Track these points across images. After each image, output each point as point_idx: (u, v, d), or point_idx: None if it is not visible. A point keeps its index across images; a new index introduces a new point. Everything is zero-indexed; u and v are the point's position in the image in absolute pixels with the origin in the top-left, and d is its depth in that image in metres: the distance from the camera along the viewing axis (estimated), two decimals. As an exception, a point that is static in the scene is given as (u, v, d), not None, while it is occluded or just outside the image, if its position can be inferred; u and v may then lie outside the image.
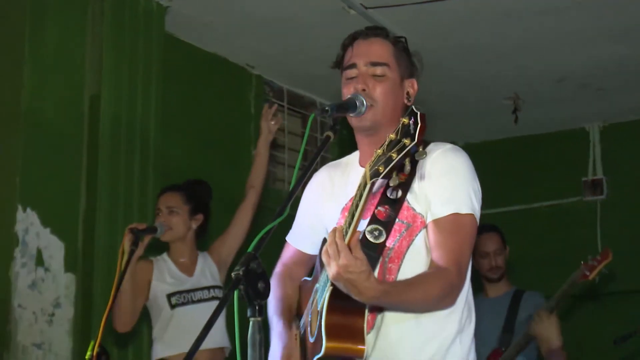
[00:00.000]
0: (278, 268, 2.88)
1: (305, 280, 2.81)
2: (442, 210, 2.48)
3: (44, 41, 4.97)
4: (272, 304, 2.75)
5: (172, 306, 4.41)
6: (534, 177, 7.89)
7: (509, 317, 4.77)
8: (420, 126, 1.97)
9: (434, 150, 2.56)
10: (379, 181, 2.15)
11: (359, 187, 2.17)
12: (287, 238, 2.91)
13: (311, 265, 2.83)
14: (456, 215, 2.46)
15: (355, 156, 2.77)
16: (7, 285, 4.65)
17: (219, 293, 4.45)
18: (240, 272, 2.01)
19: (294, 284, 2.82)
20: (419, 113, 1.98)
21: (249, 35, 5.96)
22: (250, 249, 2.06)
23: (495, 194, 7.30)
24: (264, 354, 2.03)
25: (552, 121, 7.65)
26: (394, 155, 1.99)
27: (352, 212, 2.21)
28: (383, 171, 2.02)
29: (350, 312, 2.35)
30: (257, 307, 2.02)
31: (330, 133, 2.39)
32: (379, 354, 2.47)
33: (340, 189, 2.71)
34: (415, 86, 2.70)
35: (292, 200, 2.22)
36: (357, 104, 2.52)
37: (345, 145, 7.11)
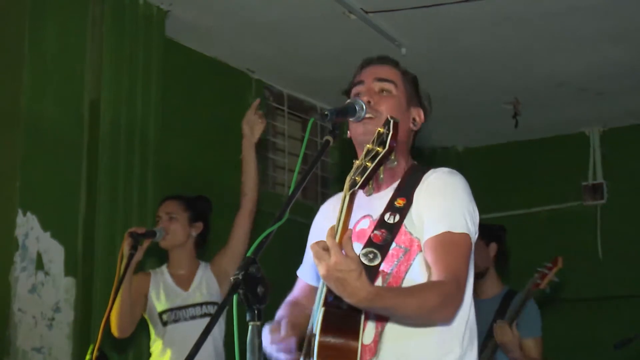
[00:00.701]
0: (288, 299, 2.86)
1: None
2: (435, 228, 2.45)
3: (43, 44, 4.98)
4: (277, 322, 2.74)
5: (164, 323, 4.40)
6: (534, 181, 7.89)
7: (496, 321, 4.71)
8: (392, 133, 2.00)
9: (431, 175, 2.58)
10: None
11: (342, 199, 2.21)
12: (298, 272, 2.90)
13: None
14: (450, 233, 2.43)
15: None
16: (7, 290, 4.65)
17: (212, 309, 4.40)
18: (240, 276, 2.01)
19: (302, 310, 2.76)
20: (392, 121, 2.01)
21: (249, 39, 5.97)
22: (249, 253, 2.06)
23: (495, 198, 7.32)
24: (263, 358, 2.02)
25: (552, 125, 7.66)
26: (369, 164, 2.02)
27: (338, 217, 2.22)
28: (360, 181, 2.04)
29: (343, 333, 2.31)
30: (256, 312, 2.02)
31: (329, 137, 2.38)
32: None
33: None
34: (422, 116, 2.72)
35: (291, 205, 2.21)
36: (357, 108, 2.51)
37: (346, 150, 7.13)
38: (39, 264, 4.78)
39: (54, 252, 4.86)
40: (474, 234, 2.49)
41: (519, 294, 4.73)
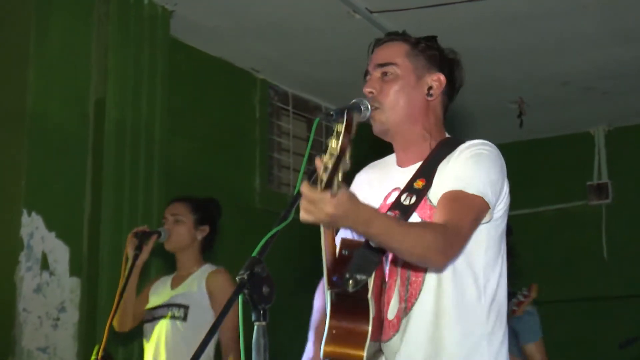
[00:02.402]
0: (315, 320, 2.85)
1: None
2: (449, 185, 2.44)
3: (49, 44, 4.98)
4: (313, 315, 2.76)
5: (145, 320, 4.40)
6: (539, 181, 7.87)
7: None
8: (344, 132, 2.00)
9: (463, 146, 2.58)
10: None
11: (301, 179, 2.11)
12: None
13: None
14: (462, 192, 2.41)
15: (392, 158, 2.75)
16: (12, 290, 4.65)
17: (176, 312, 4.28)
18: (245, 276, 2.01)
19: None
20: (345, 117, 2.03)
21: (254, 39, 5.97)
22: (254, 253, 2.06)
23: (500, 198, 7.30)
24: (269, 358, 2.02)
25: (557, 125, 7.65)
26: (329, 163, 2.00)
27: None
28: (324, 180, 2.00)
29: (354, 316, 2.34)
30: (261, 312, 2.02)
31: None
32: (406, 356, 2.46)
33: (378, 189, 2.69)
34: (442, 79, 2.69)
35: (296, 204, 2.21)
36: (362, 108, 2.51)
37: (353, 150, 7.15)
38: (44, 264, 4.78)
39: (59, 252, 4.86)
40: (492, 201, 2.44)
41: None
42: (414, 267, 2.49)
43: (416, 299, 2.48)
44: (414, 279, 2.50)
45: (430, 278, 2.48)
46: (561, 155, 7.86)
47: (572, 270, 7.46)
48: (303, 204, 2.05)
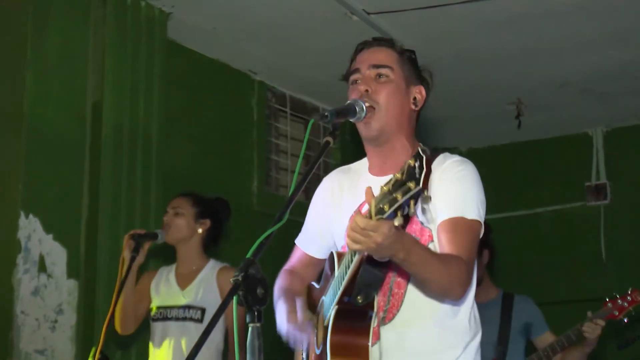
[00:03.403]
0: (285, 267, 2.92)
1: (312, 285, 2.82)
2: (449, 212, 2.51)
3: (46, 47, 4.98)
4: (276, 292, 2.77)
5: (153, 319, 4.40)
6: (537, 182, 7.88)
7: (503, 327, 4.77)
8: (426, 171, 1.96)
9: (443, 162, 2.60)
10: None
11: (368, 212, 2.13)
12: (296, 241, 2.94)
13: (319, 269, 2.85)
14: (463, 218, 2.49)
15: (364, 164, 2.78)
16: (9, 292, 4.65)
17: (194, 315, 4.32)
18: (239, 278, 2.01)
19: (303, 281, 2.85)
20: (424, 157, 1.97)
21: (251, 41, 5.97)
22: (249, 255, 2.06)
23: (498, 199, 7.28)
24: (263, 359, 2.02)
25: (555, 126, 7.64)
26: (399, 196, 1.98)
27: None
28: (387, 211, 2.00)
29: (355, 332, 2.39)
30: (256, 313, 2.02)
31: (329, 138, 2.39)
32: None
33: (349, 197, 2.72)
34: (423, 92, 2.72)
35: (291, 206, 2.21)
36: (357, 109, 2.52)
37: (348, 151, 7.14)
38: (42, 267, 4.78)
39: (57, 255, 4.86)
40: (483, 220, 2.55)
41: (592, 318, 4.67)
42: (398, 280, 2.54)
43: (398, 310, 2.53)
44: (396, 290, 2.55)
45: (411, 292, 2.54)
46: (559, 157, 7.85)
47: (570, 271, 7.46)
48: (352, 233, 2.10)
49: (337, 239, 2.77)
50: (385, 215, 2.02)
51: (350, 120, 2.54)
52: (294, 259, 2.93)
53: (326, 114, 2.42)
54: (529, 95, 6.97)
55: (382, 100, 2.60)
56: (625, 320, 4.68)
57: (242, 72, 6.44)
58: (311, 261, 2.89)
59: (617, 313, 4.68)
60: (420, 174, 1.95)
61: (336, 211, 2.75)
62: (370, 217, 2.05)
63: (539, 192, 7.83)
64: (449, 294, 2.48)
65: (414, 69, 2.72)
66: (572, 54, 6.22)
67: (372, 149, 2.71)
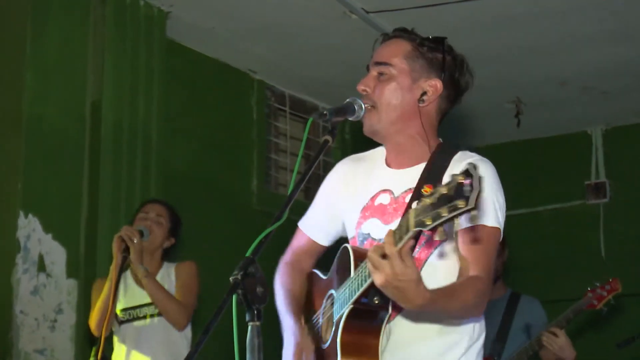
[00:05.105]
0: (287, 257, 2.84)
1: (315, 273, 2.78)
2: (468, 219, 2.45)
3: (45, 46, 4.98)
4: (281, 295, 2.73)
5: (119, 322, 4.33)
6: (537, 180, 7.88)
7: (503, 324, 4.75)
8: (479, 192, 1.88)
9: (460, 161, 2.55)
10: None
11: (400, 227, 2.07)
12: (300, 224, 2.85)
13: (320, 256, 2.83)
14: (482, 226, 2.44)
15: (381, 153, 2.72)
16: (9, 292, 4.65)
17: (153, 308, 4.29)
18: (239, 277, 2.01)
19: (303, 276, 2.80)
20: (478, 177, 1.88)
21: (251, 40, 5.97)
22: (248, 253, 2.05)
23: (498, 198, 7.30)
24: (263, 358, 2.02)
25: (555, 125, 7.64)
26: (444, 212, 1.91)
27: (397, 235, 2.09)
28: (430, 225, 1.95)
29: (366, 332, 2.38)
30: (255, 312, 2.01)
31: (328, 137, 2.38)
32: None
33: (363, 187, 2.68)
34: (439, 86, 2.64)
35: (290, 204, 2.21)
36: (355, 108, 2.51)
37: (347, 150, 7.12)
38: (41, 266, 4.78)
39: (56, 254, 4.86)
40: (502, 227, 2.51)
41: (570, 310, 4.67)
42: None
43: (399, 312, 2.49)
44: None
45: None
46: (559, 155, 7.85)
47: (570, 270, 7.45)
48: (379, 262, 2.09)
49: (348, 227, 2.71)
50: (426, 229, 1.96)
51: (349, 119, 2.53)
52: (296, 245, 2.85)
53: (325, 112, 2.41)
54: (528, 94, 6.96)
55: (380, 99, 2.57)
56: (605, 310, 4.68)
57: (241, 71, 6.43)
58: (315, 248, 2.82)
59: (596, 302, 4.69)
60: (470, 193, 1.87)
61: (349, 200, 2.70)
62: (395, 244, 2.04)
63: (538, 190, 7.83)
64: (473, 316, 2.51)
65: (430, 60, 2.64)
66: (572, 52, 6.22)
67: (382, 143, 2.68)
